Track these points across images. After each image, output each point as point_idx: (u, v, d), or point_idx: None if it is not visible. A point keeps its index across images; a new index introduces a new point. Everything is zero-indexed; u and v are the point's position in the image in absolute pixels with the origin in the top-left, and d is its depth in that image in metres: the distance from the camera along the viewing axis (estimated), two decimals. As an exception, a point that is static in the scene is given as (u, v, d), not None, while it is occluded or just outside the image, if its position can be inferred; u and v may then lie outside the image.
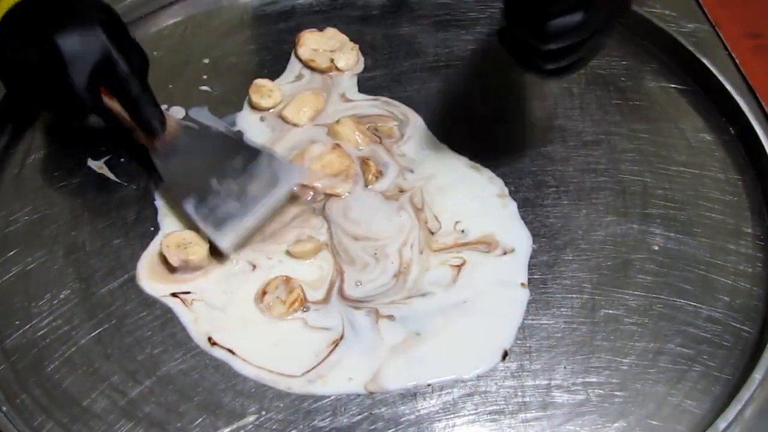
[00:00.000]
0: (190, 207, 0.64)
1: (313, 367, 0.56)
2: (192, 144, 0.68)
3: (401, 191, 0.68)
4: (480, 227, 0.64)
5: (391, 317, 0.58)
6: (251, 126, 0.74)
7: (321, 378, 0.55)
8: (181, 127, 0.68)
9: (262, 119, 0.74)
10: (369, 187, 0.68)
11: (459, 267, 0.62)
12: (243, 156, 0.67)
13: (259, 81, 0.76)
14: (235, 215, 0.63)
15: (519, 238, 0.64)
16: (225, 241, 0.62)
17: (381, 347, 0.57)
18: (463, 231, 0.64)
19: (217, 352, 0.57)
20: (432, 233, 0.64)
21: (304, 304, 0.59)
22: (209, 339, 0.58)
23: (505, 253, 0.63)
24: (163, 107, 0.74)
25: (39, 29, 0.59)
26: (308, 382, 0.55)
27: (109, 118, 0.66)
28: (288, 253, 0.63)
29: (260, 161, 0.66)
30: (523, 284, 0.61)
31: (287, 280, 0.60)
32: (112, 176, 0.69)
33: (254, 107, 0.75)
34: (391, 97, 0.76)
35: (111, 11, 0.64)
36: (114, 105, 0.65)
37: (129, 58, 0.62)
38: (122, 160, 0.70)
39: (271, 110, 0.75)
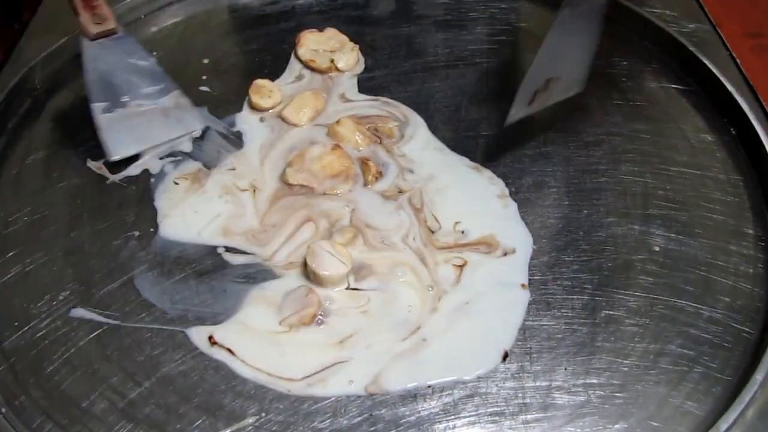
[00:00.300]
0: (97, 110, 0.68)
1: (315, 373, 0.56)
2: (119, 51, 0.70)
3: (400, 192, 0.68)
4: (480, 228, 0.64)
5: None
6: (251, 126, 0.74)
7: (321, 382, 0.55)
8: (116, 24, 0.70)
9: (261, 119, 0.74)
10: (368, 187, 0.68)
11: (461, 267, 0.62)
12: (159, 86, 0.71)
13: (259, 81, 0.76)
14: (133, 135, 0.69)
15: (519, 238, 0.64)
16: (115, 153, 0.68)
17: (384, 352, 0.57)
18: (463, 232, 0.64)
19: (218, 354, 0.57)
20: (432, 232, 0.64)
21: (315, 318, 0.59)
22: (210, 338, 0.58)
23: (505, 254, 0.63)
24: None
25: None
26: (308, 385, 0.55)
27: None
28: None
29: (171, 96, 0.71)
30: (523, 285, 0.61)
31: (309, 291, 0.60)
32: (111, 177, 0.69)
33: (254, 108, 0.75)
34: (391, 98, 0.76)
35: None
36: None
37: None
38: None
39: (270, 111, 0.75)
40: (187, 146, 0.71)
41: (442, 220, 0.65)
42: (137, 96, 0.70)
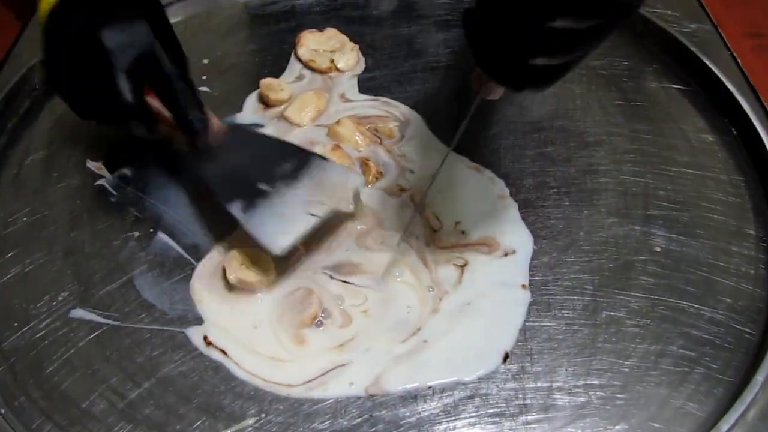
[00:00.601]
0: (236, 209, 0.60)
1: (314, 378, 0.56)
2: (236, 146, 0.65)
3: (402, 190, 0.68)
4: (481, 228, 0.64)
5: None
6: (254, 127, 0.74)
7: (322, 385, 0.55)
8: (224, 129, 0.65)
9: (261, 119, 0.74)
10: (369, 187, 0.68)
11: (462, 267, 0.62)
12: (293, 160, 0.63)
13: (267, 80, 0.76)
14: (287, 219, 0.60)
15: (520, 239, 0.64)
16: (277, 246, 0.59)
17: (384, 353, 0.57)
18: (463, 232, 0.64)
19: (216, 355, 0.57)
20: (434, 231, 0.64)
21: (316, 319, 0.59)
22: (204, 338, 0.58)
23: (506, 255, 0.63)
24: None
25: (82, 24, 0.57)
26: (308, 389, 0.55)
27: (151, 121, 0.60)
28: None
29: (312, 165, 0.63)
30: (524, 286, 0.61)
31: (310, 292, 0.60)
32: (110, 177, 0.69)
33: (270, 103, 0.75)
34: (391, 98, 0.76)
35: (156, 4, 0.61)
36: (156, 105, 0.61)
37: (172, 55, 0.60)
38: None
39: (274, 109, 0.75)
40: None
41: (443, 219, 0.65)
42: (273, 178, 0.62)
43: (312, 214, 0.60)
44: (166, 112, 0.61)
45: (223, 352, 0.57)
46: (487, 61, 0.48)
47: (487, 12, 0.45)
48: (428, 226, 0.65)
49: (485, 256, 0.63)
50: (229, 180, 0.63)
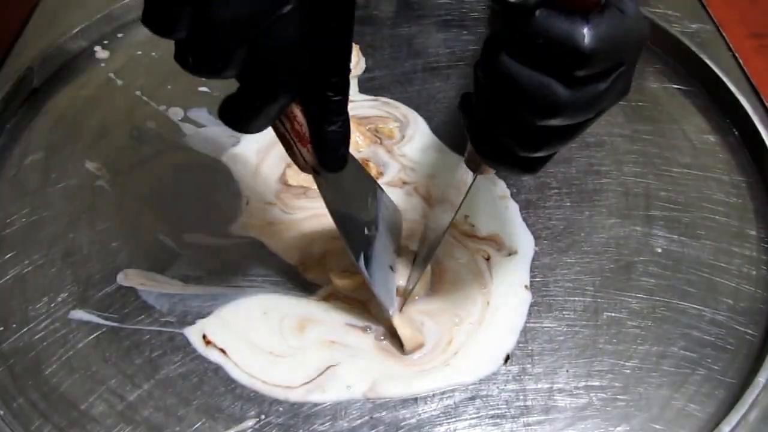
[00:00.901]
0: (362, 265, 0.54)
1: (312, 380, 0.55)
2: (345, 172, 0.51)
3: (405, 183, 0.68)
4: (487, 225, 0.65)
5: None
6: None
7: (319, 387, 0.55)
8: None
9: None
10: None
11: (488, 261, 0.62)
12: (371, 194, 0.57)
13: None
14: (387, 271, 0.57)
15: (522, 240, 0.64)
16: (391, 309, 0.56)
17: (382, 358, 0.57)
18: (473, 225, 0.64)
19: (215, 356, 0.57)
20: None
21: None
22: (203, 337, 0.58)
23: (509, 255, 0.63)
24: (162, 108, 0.74)
25: None
26: (307, 392, 0.55)
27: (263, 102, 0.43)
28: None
29: (380, 199, 0.57)
30: (526, 287, 0.61)
31: None
32: (109, 177, 0.69)
33: None
34: (391, 98, 0.76)
35: None
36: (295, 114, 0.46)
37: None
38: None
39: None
40: None
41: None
42: (368, 221, 0.56)
43: (391, 268, 0.58)
44: (297, 111, 0.46)
45: (222, 351, 0.57)
46: (481, 145, 0.47)
47: (482, 104, 0.44)
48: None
49: (497, 252, 0.63)
50: (348, 221, 0.54)
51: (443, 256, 0.62)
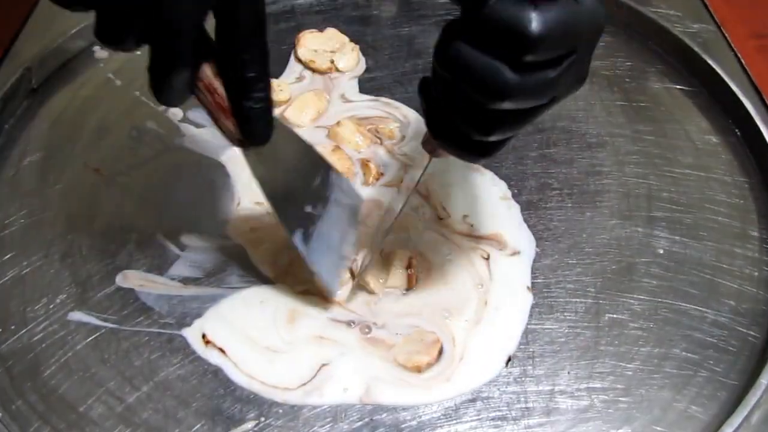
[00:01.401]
0: (299, 242, 0.54)
1: (308, 381, 0.55)
2: (279, 147, 0.51)
3: (403, 182, 0.68)
4: (487, 225, 0.65)
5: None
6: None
7: (317, 390, 0.55)
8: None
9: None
10: (370, 187, 0.68)
11: (487, 260, 0.62)
12: (321, 174, 0.56)
13: None
14: (335, 256, 0.57)
15: (523, 241, 0.64)
16: (335, 292, 0.58)
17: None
18: (472, 225, 0.64)
19: (214, 358, 0.57)
20: (440, 219, 0.65)
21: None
22: (203, 336, 0.58)
23: (512, 255, 0.63)
24: (161, 108, 0.74)
25: None
26: (305, 394, 0.55)
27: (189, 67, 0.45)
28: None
29: (333, 182, 0.57)
30: (528, 288, 0.61)
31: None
32: (108, 178, 0.69)
33: None
34: (391, 98, 0.77)
35: None
36: (207, 71, 0.46)
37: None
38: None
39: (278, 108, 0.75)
40: None
41: (450, 210, 0.65)
42: (314, 198, 0.56)
43: (345, 257, 0.59)
44: (217, 84, 0.47)
45: (222, 350, 0.57)
46: (435, 128, 0.47)
47: (438, 88, 0.45)
48: (435, 214, 0.65)
49: (499, 251, 0.63)
50: (282, 197, 0.54)
51: (428, 252, 0.62)
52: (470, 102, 0.42)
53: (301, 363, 0.56)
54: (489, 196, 0.67)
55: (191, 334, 0.58)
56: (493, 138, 0.44)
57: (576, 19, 0.39)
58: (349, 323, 0.58)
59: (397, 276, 0.61)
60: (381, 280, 0.60)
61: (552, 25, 0.38)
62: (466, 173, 0.69)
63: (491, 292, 0.60)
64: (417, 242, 0.63)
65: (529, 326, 0.58)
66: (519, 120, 0.43)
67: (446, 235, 0.64)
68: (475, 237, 0.64)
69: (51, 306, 0.60)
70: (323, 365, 0.56)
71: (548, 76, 0.40)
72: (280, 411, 0.54)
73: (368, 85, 0.78)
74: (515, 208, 0.66)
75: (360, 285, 0.60)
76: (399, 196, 0.57)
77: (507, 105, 0.41)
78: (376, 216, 0.64)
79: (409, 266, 0.61)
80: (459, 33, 0.41)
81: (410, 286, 0.60)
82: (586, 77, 0.44)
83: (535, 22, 0.38)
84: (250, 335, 0.58)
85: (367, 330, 0.58)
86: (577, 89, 0.44)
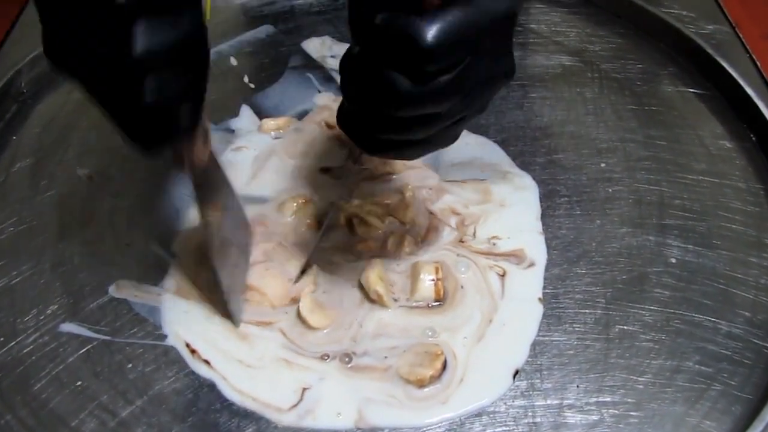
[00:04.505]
0: (223, 276, 0.58)
1: (296, 404, 0.55)
2: (216, 184, 0.56)
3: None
4: (511, 243, 0.65)
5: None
6: (251, 133, 0.75)
7: (310, 414, 0.55)
8: (213, 161, 0.55)
9: (261, 127, 0.75)
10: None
11: (503, 277, 0.62)
12: (240, 215, 0.61)
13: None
14: (238, 284, 0.60)
15: (537, 250, 0.64)
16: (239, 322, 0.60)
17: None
18: (495, 244, 0.65)
19: (206, 372, 0.57)
20: (462, 241, 0.65)
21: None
22: (187, 345, 0.58)
23: (528, 267, 0.63)
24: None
25: None
26: (298, 417, 0.55)
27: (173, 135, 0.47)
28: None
29: (237, 216, 0.61)
30: (539, 299, 0.61)
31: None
32: (101, 185, 0.70)
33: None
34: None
35: None
36: None
37: None
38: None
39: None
40: None
41: (478, 233, 0.66)
42: (238, 239, 0.60)
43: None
44: None
45: (207, 362, 0.57)
46: (350, 131, 0.49)
47: (345, 96, 0.48)
48: (458, 237, 0.66)
49: (516, 266, 0.63)
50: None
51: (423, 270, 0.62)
52: (373, 110, 0.45)
53: (280, 383, 0.56)
54: (526, 218, 0.67)
55: (178, 343, 0.59)
56: (403, 138, 0.47)
57: (469, 20, 0.41)
58: (323, 357, 0.58)
59: (425, 288, 0.61)
60: (404, 294, 0.61)
61: (443, 34, 0.40)
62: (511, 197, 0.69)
63: (501, 307, 0.60)
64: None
65: (537, 338, 0.59)
66: (427, 123, 0.45)
67: (463, 254, 0.64)
68: (494, 254, 0.64)
69: (41, 317, 0.60)
70: (305, 389, 0.56)
71: (442, 82, 0.42)
72: (278, 427, 0.54)
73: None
74: (538, 219, 0.67)
75: (373, 300, 0.60)
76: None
77: (408, 112, 0.44)
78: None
79: (435, 277, 0.61)
80: (357, 48, 0.44)
81: (438, 297, 0.60)
82: (514, 69, 0.46)
83: (424, 33, 0.40)
84: (222, 348, 0.58)
85: (347, 360, 0.58)
86: (505, 83, 0.47)
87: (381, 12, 0.42)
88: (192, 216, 0.67)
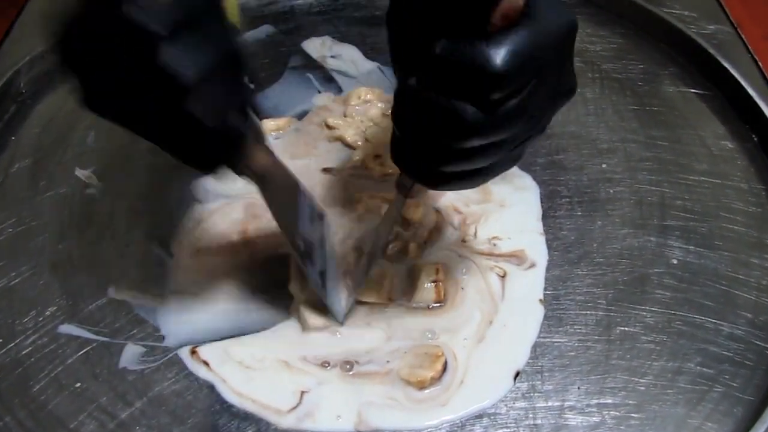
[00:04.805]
0: (315, 277, 0.58)
1: (295, 407, 0.55)
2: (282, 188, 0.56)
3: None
4: (512, 244, 0.65)
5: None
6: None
7: (309, 417, 0.55)
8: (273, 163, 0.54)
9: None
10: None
11: (503, 278, 0.62)
12: (313, 216, 0.59)
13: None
14: (332, 280, 0.60)
15: (539, 252, 0.64)
16: (341, 318, 0.60)
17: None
18: (495, 245, 0.65)
19: (205, 373, 0.57)
20: (464, 241, 0.65)
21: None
22: (186, 346, 0.58)
23: (529, 268, 0.63)
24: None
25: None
26: (297, 420, 0.55)
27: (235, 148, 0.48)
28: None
29: (316, 215, 0.60)
30: (540, 300, 0.61)
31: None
32: (100, 185, 0.70)
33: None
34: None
35: None
36: None
37: None
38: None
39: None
40: None
41: (479, 233, 0.66)
42: (316, 241, 0.59)
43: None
44: None
45: (206, 363, 0.57)
46: (407, 166, 0.48)
47: (402, 128, 0.46)
48: (460, 237, 0.65)
49: (516, 267, 0.63)
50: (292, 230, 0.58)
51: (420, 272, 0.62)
52: (436, 142, 0.43)
53: (278, 385, 0.56)
54: (527, 218, 0.67)
55: (175, 345, 0.59)
56: (467, 169, 0.45)
57: (535, 41, 0.40)
58: (324, 364, 0.58)
59: (425, 290, 0.60)
60: (405, 297, 0.61)
61: (512, 57, 0.39)
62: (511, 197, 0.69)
63: (501, 308, 0.60)
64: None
65: (537, 339, 0.59)
66: (492, 150, 0.43)
67: (465, 255, 0.64)
68: (495, 255, 0.64)
69: (40, 318, 0.60)
70: (303, 392, 0.56)
71: (509, 108, 0.41)
72: (278, 428, 0.54)
73: (370, 87, 0.79)
74: (539, 220, 0.67)
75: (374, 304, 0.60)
76: (376, 239, 0.59)
77: (475, 143, 0.42)
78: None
79: (436, 279, 0.61)
80: (415, 78, 0.42)
81: (439, 299, 0.60)
82: (575, 87, 0.45)
83: (493, 59, 0.38)
84: (221, 349, 0.58)
85: (348, 367, 0.57)
86: (567, 101, 0.45)
87: (438, 39, 0.40)
88: (191, 216, 0.67)
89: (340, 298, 0.60)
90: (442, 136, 0.42)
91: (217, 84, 0.41)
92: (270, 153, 0.53)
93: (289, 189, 0.57)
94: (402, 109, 0.44)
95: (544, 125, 0.46)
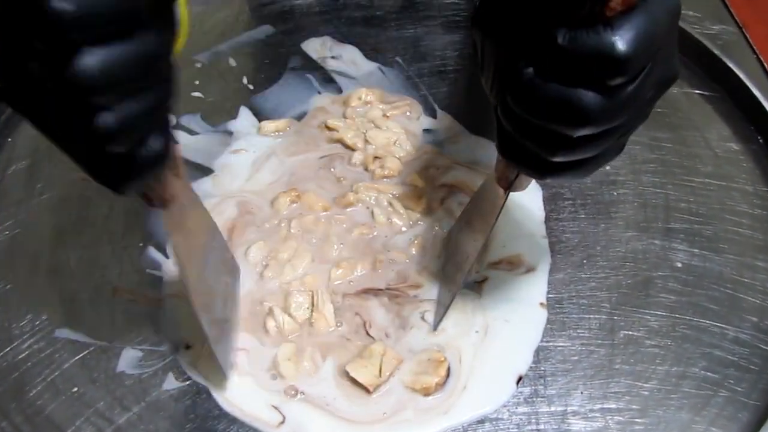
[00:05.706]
0: (207, 324, 0.53)
1: (283, 422, 0.55)
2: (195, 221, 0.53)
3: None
4: (506, 248, 0.65)
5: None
6: (250, 135, 0.75)
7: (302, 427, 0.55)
8: (184, 188, 0.50)
9: (260, 130, 0.75)
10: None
11: (481, 284, 0.62)
12: (228, 264, 0.59)
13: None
14: (228, 336, 0.58)
15: (540, 256, 0.64)
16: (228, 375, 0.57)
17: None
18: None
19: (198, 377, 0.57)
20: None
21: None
22: (185, 349, 0.59)
23: (527, 272, 0.63)
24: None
25: None
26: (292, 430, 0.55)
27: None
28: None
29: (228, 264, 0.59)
30: (542, 304, 0.61)
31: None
32: (97, 188, 0.69)
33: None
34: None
35: None
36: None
37: None
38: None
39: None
40: None
41: None
42: (226, 290, 0.58)
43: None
44: None
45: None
46: (513, 156, 0.48)
47: (509, 119, 0.45)
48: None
49: (508, 272, 0.63)
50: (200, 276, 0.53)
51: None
52: (548, 131, 0.43)
53: (260, 401, 0.56)
54: (529, 221, 0.67)
55: (173, 348, 0.59)
56: (579, 158, 0.45)
57: (653, 23, 0.40)
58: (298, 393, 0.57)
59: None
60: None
61: (636, 42, 0.39)
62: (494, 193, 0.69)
63: (504, 312, 0.61)
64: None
65: (540, 344, 0.59)
66: (603, 137, 0.43)
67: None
68: (497, 258, 0.64)
69: (37, 322, 0.60)
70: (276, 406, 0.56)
71: (628, 91, 0.41)
72: (278, 433, 0.54)
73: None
74: (542, 223, 0.67)
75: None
76: (473, 240, 0.58)
77: (596, 129, 0.42)
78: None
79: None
80: (530, 67, 0.42)
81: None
82: (678, 72, 0.44)
83: (618, 45, 0.38)
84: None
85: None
86: (671, 86, 0.45)
87: (557, 29, 0.39)
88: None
89: (229, 351, 0.57)
90: (561, 124, 0.42)
91: (122, 92, 0.37)
92: (187, 189, 0.50)
93: (202, 230, 0.54)
94: (518, 100, 0.43)
95: (647, 112, 0.46)
